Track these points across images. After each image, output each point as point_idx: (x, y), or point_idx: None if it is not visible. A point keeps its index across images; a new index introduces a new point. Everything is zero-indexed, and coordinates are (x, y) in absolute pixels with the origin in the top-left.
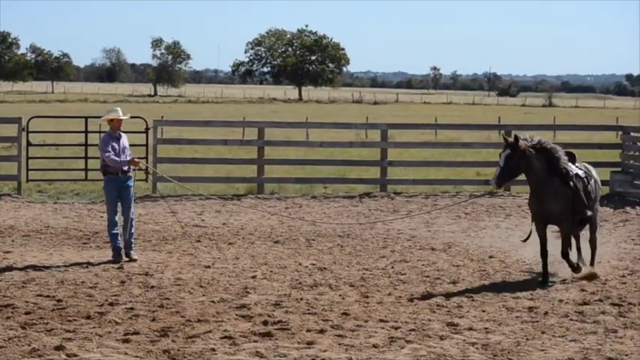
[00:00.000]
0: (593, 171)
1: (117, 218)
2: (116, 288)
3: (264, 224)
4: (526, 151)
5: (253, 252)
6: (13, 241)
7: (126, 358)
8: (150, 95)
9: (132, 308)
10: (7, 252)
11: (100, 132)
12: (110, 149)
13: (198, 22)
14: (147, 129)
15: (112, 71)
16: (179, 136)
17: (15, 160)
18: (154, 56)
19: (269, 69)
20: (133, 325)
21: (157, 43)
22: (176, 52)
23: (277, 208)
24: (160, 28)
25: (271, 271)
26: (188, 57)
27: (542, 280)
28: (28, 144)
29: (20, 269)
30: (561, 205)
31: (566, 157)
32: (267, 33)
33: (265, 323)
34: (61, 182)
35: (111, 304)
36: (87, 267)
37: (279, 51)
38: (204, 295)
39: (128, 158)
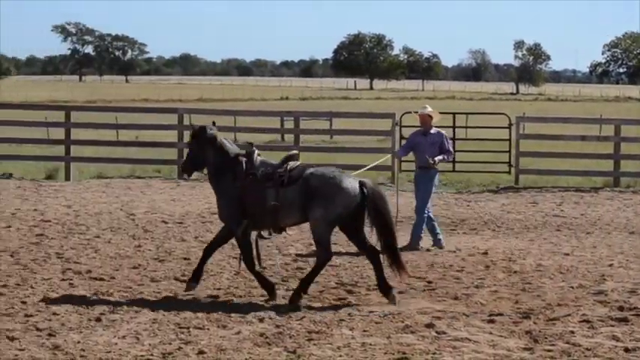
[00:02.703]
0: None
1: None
2: (481, 272)
3: (620, 216)
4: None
5: (610, 242)
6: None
7: (491, 337)
8: (512, 93)
9: (496, 291)
10: None
11: (466, 127)
12: (407, 143)
13: (556, 24)
14: (510, 125)
15: (477, 71)
16: (539, 132)
17: (389, 151)
18: (516, 57)
19: (625, 69)
20: (497, 307)
21: (519, 45)
22: (536, 53)
23: (632, 201)
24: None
25: (627, 260)
26: (548, 58)
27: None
28: (401, 137)
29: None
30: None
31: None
32: (623, 36)
33: (621, 309)
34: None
35: (477, 286)
36: (455, 252)
37: (635, 52)
38: (563, 280)
39: (439, 156)
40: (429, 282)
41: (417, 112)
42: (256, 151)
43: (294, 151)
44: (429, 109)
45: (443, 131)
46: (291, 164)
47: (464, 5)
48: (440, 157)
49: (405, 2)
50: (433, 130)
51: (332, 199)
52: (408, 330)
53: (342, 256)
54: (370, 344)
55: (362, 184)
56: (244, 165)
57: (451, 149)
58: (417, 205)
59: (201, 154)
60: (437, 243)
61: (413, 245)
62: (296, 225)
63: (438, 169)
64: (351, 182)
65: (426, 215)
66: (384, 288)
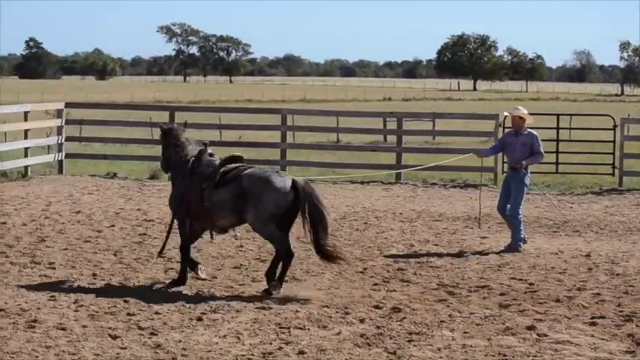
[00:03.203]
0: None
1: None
2: (584, 274)
3: None
4: None
5: None
6: (489, 227)
7: (592, 340)
8: (617, 95)
9: (598, 294)
10: (484, 237)
11: (569, 128)
12: (498, 143)
13: None
14: (614, 126)
15: (581, 72)
16: None
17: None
18: (622, 58)
19: None
20: (600, 310)
21: (624, 45)
22: None
23: None
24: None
25: None
26: None
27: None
28: None
29: (495, 253)
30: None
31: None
32: None
33: None
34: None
35: (579, 289)
36: (557, 254)
37: None
38: None
39: (527, 158)
40: (531, 284)
41: (510, 114)
42: (208, 152)
43: (238, 153)
44: (521, 110)
45: (535, 132)
46: (230, 166)
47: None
48: (527, 161)
49: (510, 2)
50: (525, 131)
51: (262, 198)
52: (508, 332)
53: (444, 257)
54: (471, 346)
55: (293, 183)
56: (190, 164)
57: (541, 151)
58: (511, 207)
59: (167, 152)
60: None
61: (513, 247)
62: (236, 226)
63: (526, 171)
64: (282, 181)
65: (520, 216)
66: (270, 276)
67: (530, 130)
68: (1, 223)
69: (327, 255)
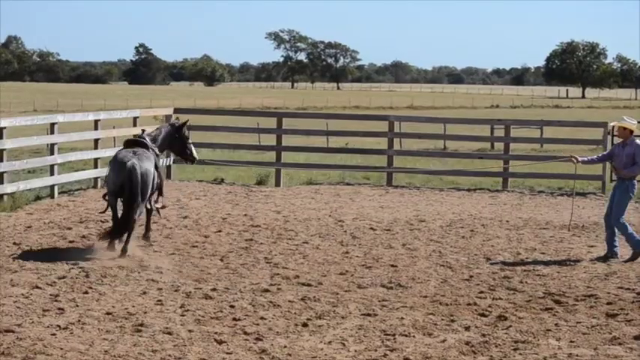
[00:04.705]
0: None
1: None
2: None
3: None
4: None
5: None
6: (597, 236)
7: None
8: None
9: None
10: (591, 246)
11: None
12: (607, 153)
13: None
14: None
15: None
16: None
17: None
18: None
19: None
20: None
21: None
22: None
23: None
24: None
25: None
26: None
27: None
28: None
29: (604, 263)
30: None
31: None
32: None
33: None
34: None
35: None
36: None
37: None
38: None
39: (630, 169)
40: (638, 293)
41: (617, 124)
42: (135, 140)
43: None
44: (627, 120)
45: (639, 142)
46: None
47: None
48: (626, 171)
49: (620, 9)
50: (632, 142)
51: (107, 175)
52: (615, 342)
53: (551, 265)
54: (577, 355)
55: (128, 163)
56: None
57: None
58: (613, 215)
59: None
60: (612, 253)
61: (609, 254)
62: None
63: (632, 181)
64: (119, 162)
65: (623, 223)
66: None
67: (637, 140)
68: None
69: (122, 224)
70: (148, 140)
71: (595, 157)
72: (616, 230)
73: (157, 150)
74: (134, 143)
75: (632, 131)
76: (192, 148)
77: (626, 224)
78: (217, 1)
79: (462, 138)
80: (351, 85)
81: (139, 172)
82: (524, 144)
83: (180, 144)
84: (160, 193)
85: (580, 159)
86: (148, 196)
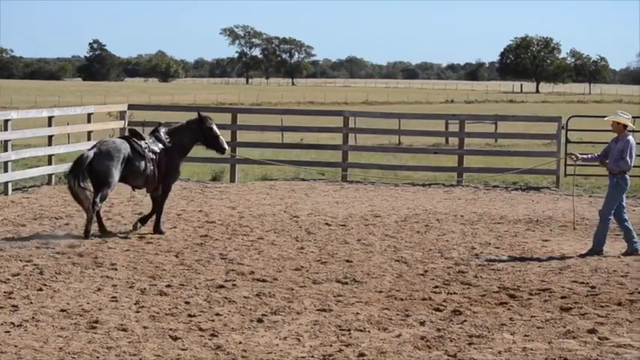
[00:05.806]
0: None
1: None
2: None
3: None
4: None
5: None
6: (551, 230)
7: None
8: None
9: None
10: (546, 240)
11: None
12: (603, 150)
13: None
14: None
15: None
16: None
17: (554, 155)
18: None
19: None
20: None
21: None
22: None
23: None
24: None
25: None
26: None
27: None
28: (567, 141)
29: (558, 258)
30: None
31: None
32: None
33: None
34: (596, 177)
35: None
36: (619, 257)
37: None
38: None
39: (616, 163)
40: (592, 287)
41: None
42: (130, 129)
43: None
44: (620, 115)
45: (631, 139)
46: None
47: (633, 7)
48: (585, 156)
49: (573, 3)
50: (624, 137)
51: None
52: (569, 335)
53: (505, 260)
54: (531, 349)
55: (94, 148)
56: None
57: (627, 158)
58: (601, 210)
59: None
60: (632, 249)
61: (595, 249)
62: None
63: (621, 176)
64: (91, 149)
65: (625, 219)
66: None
67: (629, 137)
68: (62, 222)
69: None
70: (162, 133)
71: (596, 154)
72: (630, 226)
73: (166, 141)
74: (132, 134)
75: (625, 126)
76: (222, 140)
77: (608, 225)
78: None
79: (417, 133)
80: (305, 80)
81: (88, 161)
82: (478, 139)
83: (205, 137)
84: (162, 182)
85: (580, 157)
86: (102, 185)
